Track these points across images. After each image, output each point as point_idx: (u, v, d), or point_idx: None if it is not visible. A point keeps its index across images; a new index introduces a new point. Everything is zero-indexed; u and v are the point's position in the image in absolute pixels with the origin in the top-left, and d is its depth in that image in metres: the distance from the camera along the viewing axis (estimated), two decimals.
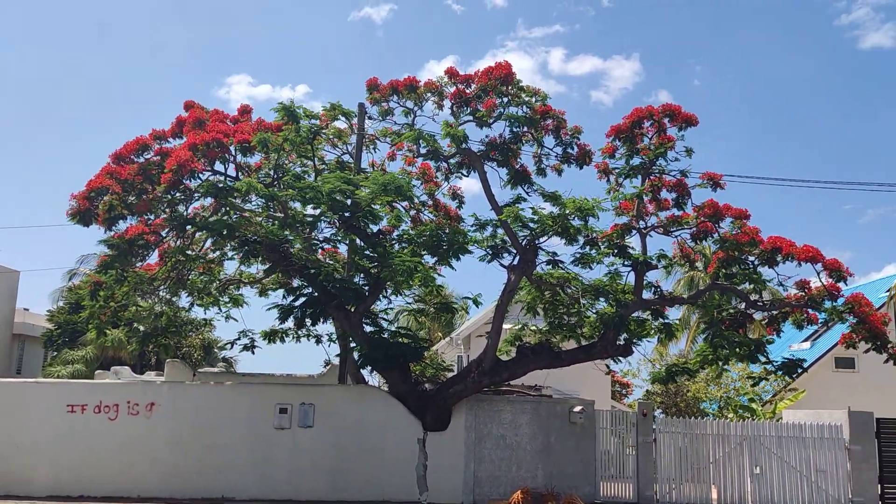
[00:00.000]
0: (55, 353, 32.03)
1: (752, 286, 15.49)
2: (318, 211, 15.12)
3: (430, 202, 17.10)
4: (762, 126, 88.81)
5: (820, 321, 15.80)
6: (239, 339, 17.57)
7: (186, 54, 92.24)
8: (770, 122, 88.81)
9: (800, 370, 16.01)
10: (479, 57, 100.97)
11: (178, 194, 15.25)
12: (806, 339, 29.82)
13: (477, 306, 16.05)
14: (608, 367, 17.12)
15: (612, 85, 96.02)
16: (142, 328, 23.20)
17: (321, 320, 16.52)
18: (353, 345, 16.47)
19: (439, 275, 16.26)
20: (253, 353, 17.55)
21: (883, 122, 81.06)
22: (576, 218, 14.56)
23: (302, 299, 16.15)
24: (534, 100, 15.29)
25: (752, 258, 15.36)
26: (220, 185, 15.04)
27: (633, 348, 15.89)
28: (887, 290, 26.07)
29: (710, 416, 22.66)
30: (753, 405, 24.09)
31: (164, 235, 15.62)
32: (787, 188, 73.99)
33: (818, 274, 15.02)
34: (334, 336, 17.64)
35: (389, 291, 16.57)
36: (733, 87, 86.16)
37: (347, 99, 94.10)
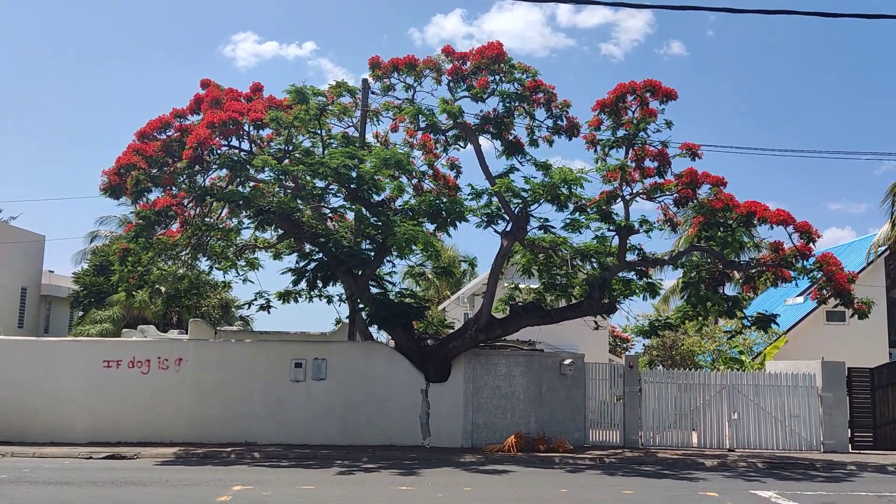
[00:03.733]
0: (81, 313, 33.73)
1: (729, 249, 16.65)
2: (324, 184, 16.41)
3: (431, 172, 18.26)
4: (774, 76, 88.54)
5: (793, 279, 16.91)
6: (256, 299, 18.68)
7: (191, 13, 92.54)
8: (783, 72, 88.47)
9: (773, 325, 17.25)
10: (485, 10, 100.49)
11: (196, 167, 16.53)
12: (800, 294, 31.00)
13: (473, 268, 17.32)
14: (597, 323, 18.41)
15: (623, 37, 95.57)
16: (163, 289, 24.67)
17: (331, 283, 17.95)
18: (361, 305, 17.89)
19: (439, 240, 17.52)
20: (269, 312, 18.75)
21: (891, 77, 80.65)
22: (564, 187, 15.72)
23: (313, 264, 17.56)
24: (524, 76, 16.34)
25: (730, 222, 16.51)
26: (236, 158, 16.32)
27: (618, 306, 17.22)
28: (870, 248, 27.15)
29: (705, 368, 24.08)
30: (743, 357, 25.54)
31: (185, 205, 16.96)
32: (808, 135, 74.21)
33: (790, 236, 16.18)
34: (344, 297, 18.98)
35: (394, 255, 17.87)
36: (747, 38, 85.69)
37: (354, 56, 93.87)
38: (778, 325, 17.86)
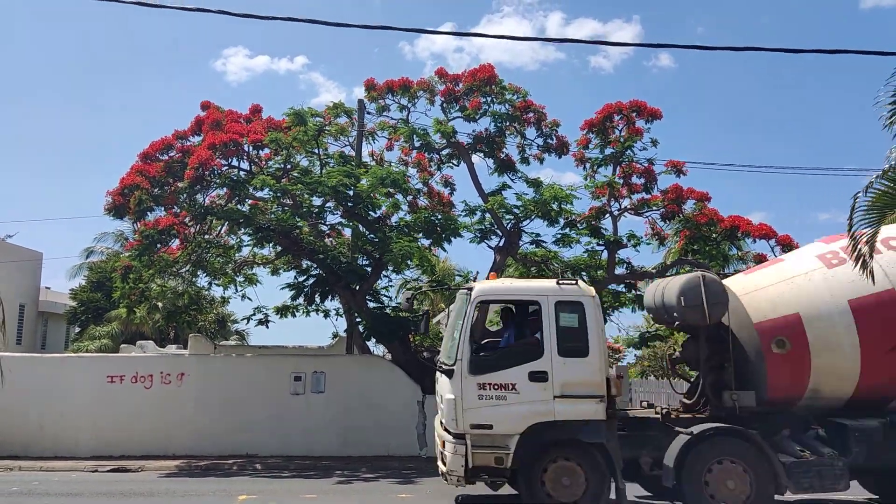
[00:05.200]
0: (79, 329, 34.00)
1: (715, 262, 17.24)
2: (321, 201, 16.96)
3: (425, 189, 18.82)
4: (762, 85, 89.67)
5: None
6: (254, 314, 19.14)
7: (181, 27, 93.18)
8: (770, 82, 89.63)
9: None
10: (474, 23, 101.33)
11: (198, 186, 17.01)
12: None
13: (467, 282, 17.75)
14: None
15: (612, 50, 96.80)
16: (160, 305, 24.98)
17: (329, 297, 18.44)
18: (358, 319, 18.37)
19: (434, 255, 18.05)
20: (267, 327, 19.10)
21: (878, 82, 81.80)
22: (554, 203, 16.29)
23: (312, 279, 18.04)
24: (515, 97, 16.97)
25: (715, 235, 17.11)
26: (235, 177, 16.85)
27: (607, 319, 17.72)
28: None
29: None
30: None
31: (187, 223, 17.43)
32: (796, 147, 75.09)
33: (772, 249, 16.79)
34: (341, 311, 19.45)
35: (390, 270, 18.38)
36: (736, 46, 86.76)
37: (345, 70, 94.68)
38: None
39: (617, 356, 35.85)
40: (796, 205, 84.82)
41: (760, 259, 17.20)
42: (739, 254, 17.51)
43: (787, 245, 16.49)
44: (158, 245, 16.86)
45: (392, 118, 17.98)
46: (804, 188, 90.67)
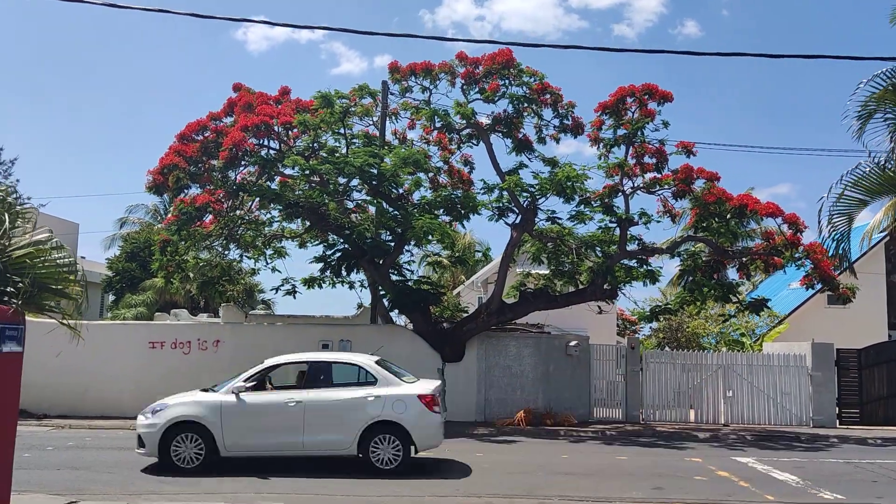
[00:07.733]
0: (113, 298, 35.46)
1: (724, 239, 17.96)
2: (346, 180, 17.90)
3: (446, 167, 19.66)
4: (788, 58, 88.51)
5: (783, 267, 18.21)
6: (283, 285, 20.16)
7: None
8: (800, 50, 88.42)
9: (765, 307, 18.61)
10: None
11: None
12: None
13: (486, 259, 18.70)
14: (600, 308, 19.74)
15: (636, 17, 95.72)
16: (191, 275, 26.29)
17: (355, 270, 19.47)
18: (382, 291, 19.39)
19: (455, 231, 18.95)
20: (294, 297, 20.27)
21: None
22: (568, 182, 17.08)
23: (338, 253, 19.08)
24: (532, 80, 17.68)
25: (725, 213, 17.79)
26: (266, 156, 17.86)
27: (619, 292, 18.60)
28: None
29: (708, 350, 25.40)
30: (744, 339, 26.84)
31: (220, 199, 18.49)
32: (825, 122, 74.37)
33: (779, 227, 17.46)
34: (365, 283, 20.49)
35: (412, 245, 19.34)
36: (762, 17, 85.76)
37: (366, 39, 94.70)
38: (769, 308, 19.14)
39: (633, 328, 36.77)
40: (821, 176, 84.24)
41: (768, 236, 17.92)
42: (753, 229, 18.16)
43: (794, 223, 17.15)
44: (195, 220, 17.98)
45: (414, 99, 18.77)
46: (830, 160, 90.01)
